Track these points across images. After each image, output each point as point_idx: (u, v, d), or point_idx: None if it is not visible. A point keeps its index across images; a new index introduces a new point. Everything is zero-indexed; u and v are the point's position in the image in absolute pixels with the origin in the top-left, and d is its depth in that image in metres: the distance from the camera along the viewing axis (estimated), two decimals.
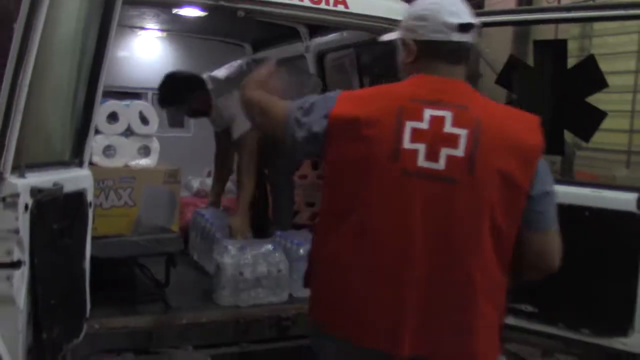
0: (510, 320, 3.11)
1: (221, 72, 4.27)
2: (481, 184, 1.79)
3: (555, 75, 3.07)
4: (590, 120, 2.98)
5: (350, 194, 1.89)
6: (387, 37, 2.32)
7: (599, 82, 2.97)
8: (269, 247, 3.41)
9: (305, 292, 3.42)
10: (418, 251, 1.81)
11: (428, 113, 1.82)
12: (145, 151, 3.22)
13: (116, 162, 3.14)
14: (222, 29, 5.27)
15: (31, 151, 2.28)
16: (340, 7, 3.39)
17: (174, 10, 4.33)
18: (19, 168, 2.14)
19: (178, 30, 5.38)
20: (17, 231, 2.10)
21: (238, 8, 3.21)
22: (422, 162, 1.80)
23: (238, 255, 3.31)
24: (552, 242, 1.90)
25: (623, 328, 2.80)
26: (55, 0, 2.22)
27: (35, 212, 2.17)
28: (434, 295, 1.82)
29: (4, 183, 2.08)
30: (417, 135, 1.81)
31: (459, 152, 1.79)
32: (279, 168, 4.21)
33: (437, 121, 1.81)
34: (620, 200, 2.82)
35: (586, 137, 3.08)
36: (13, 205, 2.09)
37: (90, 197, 2.62)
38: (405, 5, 3.65)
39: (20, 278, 2.13)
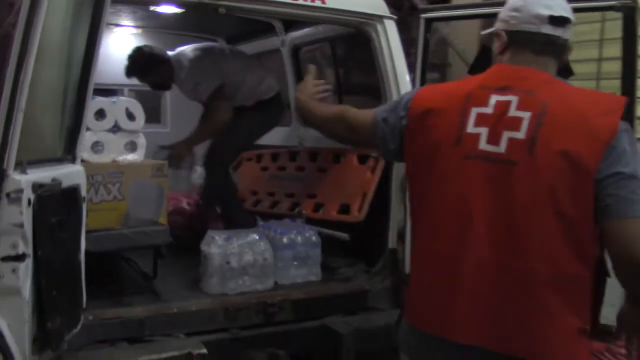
0: None
1: (189, 50, 4.64)
2: (541, 166, 1.73)
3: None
4: None
5: (419, 184, 1.96)
6: (486, 31, 2.24)
7: (566, 71, 3.13)
8: (255, 236, 3.53)
9: (289, 279, 3.61)
10: (478, 235, 1.79)
11: (494, 98, 1.84)
12: (132, 146, 3.30)
13: (104, 158, 3.21)
14: (197, 24, 5.33)
15: (28, 148, 2.36)
16: (318, 3, 3.51)
17: (151, 7, 4.41)
18: (21, 164, 2.22)
19: (153, 26, 5.42)
20: (21, 225, 2.19)
21: (219, 5, 3.31)
22: (483, 145, 1.81)
23: (225, 245, 3.43)
24: (628, 231, 1.69)
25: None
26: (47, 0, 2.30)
27: (37, 206, 2.25)
28: (493, 282, 1.78)
29: (8, 179, 2.16)
30: (481, 119, 1.84)
31: (521, 134, 1.77)
32: (220, 158, 4.46)
33: (502, 105, 1.82)
34: None
35: None
36: (17, 201, 2.18)
37: (83, 192, 2.70)
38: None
39: (25, 270, 2.22)
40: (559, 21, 1.88)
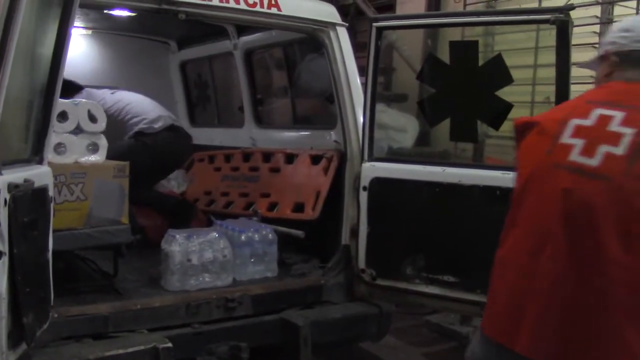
0: (435, 290, 3.53)
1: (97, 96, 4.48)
2: (634, 188, 1.63)
3: (468, 71, 3.46)
4: (499, 111, 3.39)
5: (515, 191, 1.90)
6: (594, 58, 2.04)
7: (506, 78, 3.39)
8: (214, 234, 3.65)
9: (247, 275, 3.73)
10: (555, 246, 1.71)
11: (598, 112, 1.76)
12: (94, 148, 3.37)
13: (67, 159, 3.27)
14: (148, 26, 5.40)
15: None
16: (274, 10, 3.67)
17: (105, 10, 4.46)
18: None
19: (105, 28, 5.44)
20: None
21: (179, 11, 3.43)
22: (575, 156, 1.73)
23: (185, 243, 3.53)
24: None
25: None
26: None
27: (12, 206, 2.33)
28: (568, 298, 1.68)
29: None
30: (578, 131, 1.76)
31: (619, 150, 1.67)
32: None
33: (604, 119, 1.74)
34: None
35: (496, 126, 3.49)
36: None
37: (51, 192, 2.78)
38: (332, 7, 3.99)
39: (2, 267, 2.29)
40: None
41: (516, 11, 3.41)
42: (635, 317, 1.60)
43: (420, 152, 4.84)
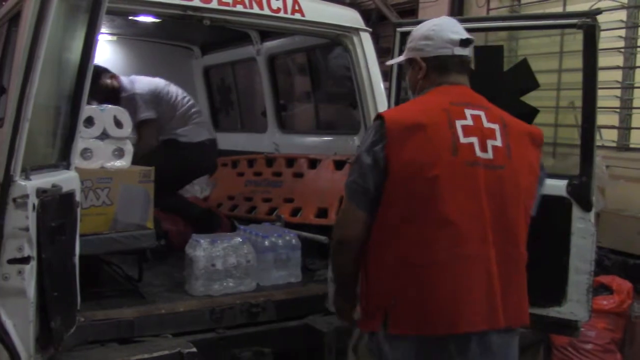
0: None
1: (145, 82, 4.62)
2: (517, 170, 2.13)
3: (494, 76, 3.42)
4: (525, 117, 3.34)
5: (412, 195, 2.04)
6: (393, 61, 2.75)
7: (532, 83, 3.35)
8: (238, 240, 3.65)
9: (270, 281, 3.72)
10: (490, 232, 2.07)
11: (469, 112, 2.10)
12: (119, 153, 3.40)
13: (93, 164, 3.31)
14: (172, 32, 5.45)
15: (28, 155, 2.46)
16: (297, 15, 3.68)
17: (130, 16, 4.50)
18: (25, 171, 2.32)
19: (129, 34, 5.50)
20: (27, 229, 2.30)
21: (204, 17, 3.45)
22: (479, 153, 2.07)
23: (209, 248, 3.54)
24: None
25: (557, 299, 3.17)
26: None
27: (40, 211, 2.36)
28: (505, 270, 2.10)
29: (15, 185, 2.27)
30: (467, 131, 2.07)
31: (498, 142, 2.10)
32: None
33: (477, 118, 2.10)
34: (552, 186, 3.18)
35: None
36: (23, 205, 2.29)
37: (78, 197, 2.80)
38: (355, 12, 3.99)
39: (30, 272, 2.32)
40: (467, 42, 2.18)
41: (543, 16, 3.37)
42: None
43: None
